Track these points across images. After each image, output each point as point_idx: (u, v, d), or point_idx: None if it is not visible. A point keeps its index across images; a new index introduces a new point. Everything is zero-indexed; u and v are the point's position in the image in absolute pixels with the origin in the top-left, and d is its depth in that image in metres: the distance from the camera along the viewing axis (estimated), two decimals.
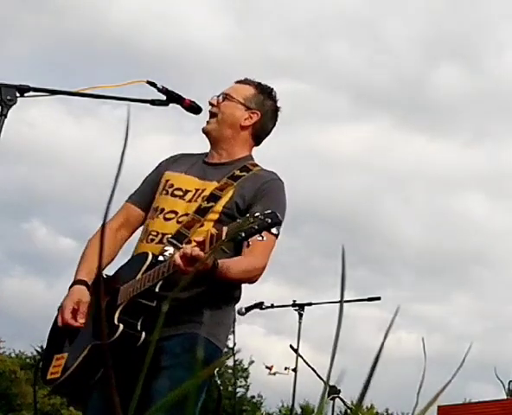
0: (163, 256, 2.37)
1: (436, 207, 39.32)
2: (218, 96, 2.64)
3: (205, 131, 2.62)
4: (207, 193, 2.49)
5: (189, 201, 2.49)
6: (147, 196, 2.62)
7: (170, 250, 2.39)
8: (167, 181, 2.58)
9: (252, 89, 2.64)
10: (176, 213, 2.46)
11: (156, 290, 2.30)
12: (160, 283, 2.28)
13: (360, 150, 38.85)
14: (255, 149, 2.69)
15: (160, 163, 2.69)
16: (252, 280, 2.45)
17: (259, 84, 2.67)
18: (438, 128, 41.33)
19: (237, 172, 2.53)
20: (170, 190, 2.54)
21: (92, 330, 2.36)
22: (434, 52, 40.07)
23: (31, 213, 45.08)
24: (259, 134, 2.66)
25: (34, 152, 36.30)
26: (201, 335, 2.35)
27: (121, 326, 2.29)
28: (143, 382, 2.40)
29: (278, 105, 2.69)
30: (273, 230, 2.32)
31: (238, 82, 2.69)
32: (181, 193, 2.51)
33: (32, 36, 38.08)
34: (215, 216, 2.43)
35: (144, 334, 2.30)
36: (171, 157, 2.70)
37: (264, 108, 2.63)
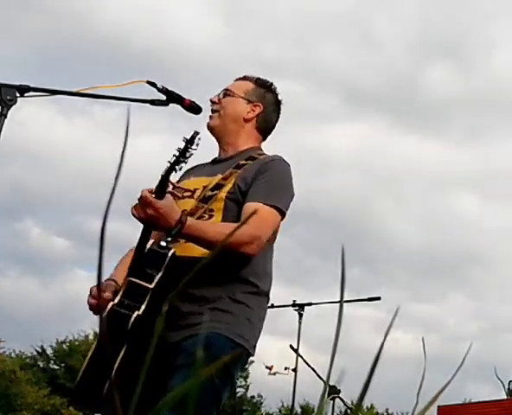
0: (166, 242, 2.37)
1: (430, 206, 39.37)
2: (218, 94, 2.66)
3: (209, 128, 2.63)
4: (212, 184, 2.51)
5: (197, 197, 2.50)
6: None
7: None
8: None
9: (252, 84, 2.67)
10: (185, 211, 2.46)
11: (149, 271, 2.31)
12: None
13: (352, 150, 38.88)
14: (263, 145, 2.69)
15: (178, 181, 2.70)
16: (238, 247, 2.28)
17: (258, 78, 2.69)
18: (429, 128, 41.35)
19: (242, 161, 2.53)
20: (181, 195, 2.56)
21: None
22: (425, 51, 40.11)
23: (24, 213, 45.07)
24: (264, 127, 2.67)
25: (26, 152, 36.22)
26: (221, 333, 2.29)
27: (110, 304, 2.28)
28: (161, 380, 2.35)
29: (280, 97, 2.70)
30: (277, 205, 2.37)
31: (237, 80, 2.71)
32: (190, 193, 2.53)
33: (22, 36, 38.03)
34: (221, 204, 2.43)
35: (136, 313, 2.24)
36: (187, 171, 2.70)
37: (265, 100, 2.65)
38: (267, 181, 2.44)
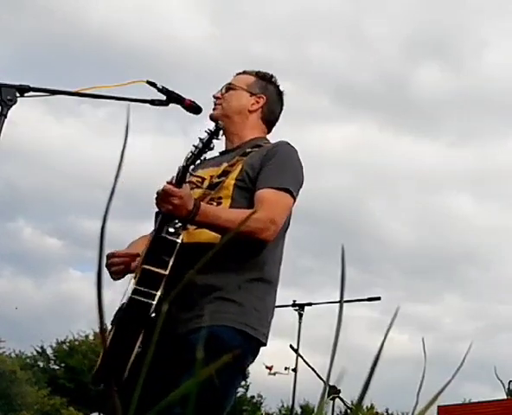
0: (174, 228, 2.37)
1: (424, 206, 39.33)
2: (220, 89, 2.69)
3: (213, 118, 2.63)
4: (219, 172, 2.51)
5: (205, 186, 2.51)
6: None
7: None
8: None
9: (253, 77, 2.70)
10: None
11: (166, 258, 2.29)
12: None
13: (345, 150, 38.88)
14: (269, 136, 2.71)
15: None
16: (254, 234, 2.28)
17: (259, 71, 2.73)
18: (422, 127, 41.37)
19: (248, 149, 2.55)
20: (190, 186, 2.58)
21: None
22: (417, 51, 40.13)
23: (16, 212, 45.03)
24: (268, 118, 2.70)
25: (18, 151, 36.15)
26: (228, 325, 2.27)
27: (129, 293, 2.27)
28: (170, 372, 2.36)
29: (281, 88, 2.74)
30: (289, 187, 2.38)
31: (237, 74, 2.74)
32: (198, 184, 2.53)
33: (13, 36, 37.98)
34: (229, 191, 2.43)
35: (155, 301, 2.23)
36: (196, 165, 2.72)
37: (268, 92, 2.68)
38: (276, 166, 2.44)
